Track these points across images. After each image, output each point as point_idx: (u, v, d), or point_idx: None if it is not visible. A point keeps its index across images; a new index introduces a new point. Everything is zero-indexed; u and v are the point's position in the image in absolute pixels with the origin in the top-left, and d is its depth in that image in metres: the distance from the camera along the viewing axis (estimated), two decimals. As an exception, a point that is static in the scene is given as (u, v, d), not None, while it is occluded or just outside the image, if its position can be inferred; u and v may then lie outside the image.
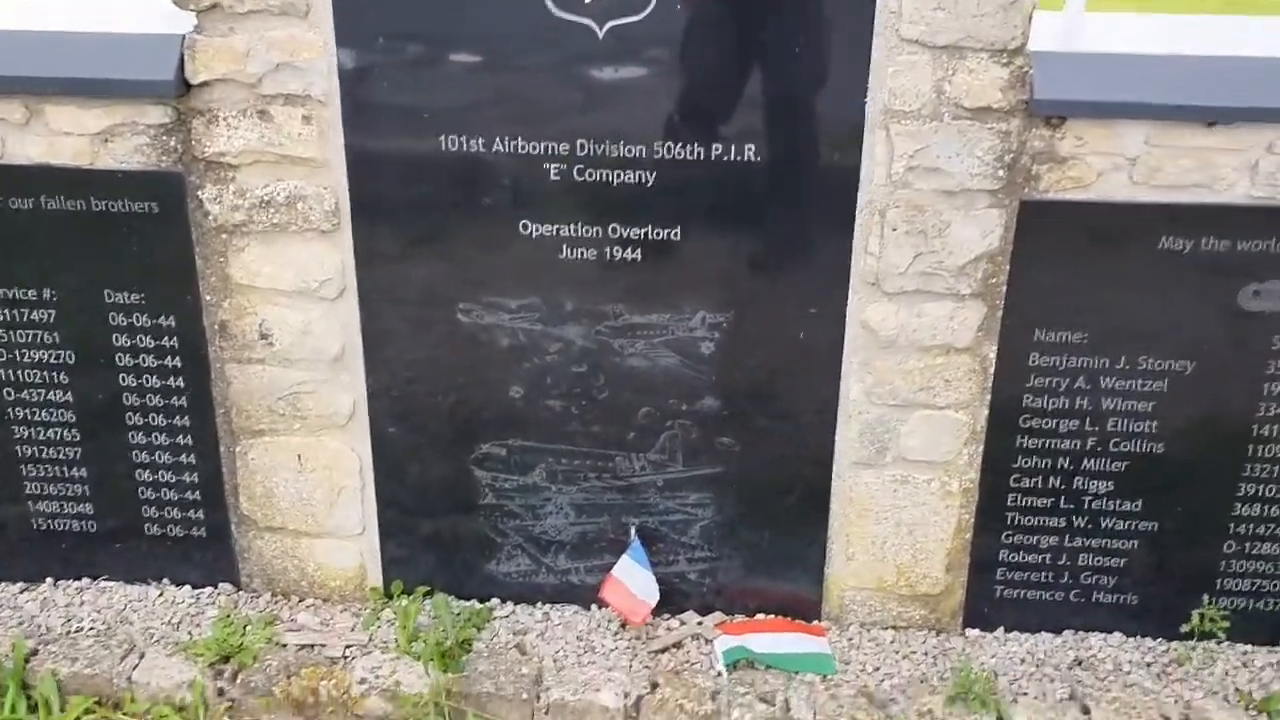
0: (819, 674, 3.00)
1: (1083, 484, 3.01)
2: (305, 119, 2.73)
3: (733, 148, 2.70)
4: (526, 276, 2.87)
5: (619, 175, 2.74)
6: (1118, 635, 3.18)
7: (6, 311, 2.98)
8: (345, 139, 2.75)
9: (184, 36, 2.70)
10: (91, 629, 3.13)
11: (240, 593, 3.29)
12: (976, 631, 3.20)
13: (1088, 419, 2.93)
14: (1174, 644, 3.17)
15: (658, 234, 2.80)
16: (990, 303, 2.82)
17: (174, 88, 2.69)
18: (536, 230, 2.81)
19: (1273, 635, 3.12)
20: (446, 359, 2.97)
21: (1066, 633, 3.19)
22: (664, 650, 3.08)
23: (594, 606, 3.24)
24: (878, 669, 3.06)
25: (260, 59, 2.67)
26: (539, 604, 3.25)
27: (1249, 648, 3.13)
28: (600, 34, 2.61)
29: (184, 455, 3.14)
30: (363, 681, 2.90)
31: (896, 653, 3.13)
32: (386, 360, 2.99)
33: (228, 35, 2.67)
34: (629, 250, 2.82)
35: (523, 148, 2.73)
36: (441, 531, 3.18)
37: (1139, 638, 3.18)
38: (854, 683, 2.99)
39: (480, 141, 2.73)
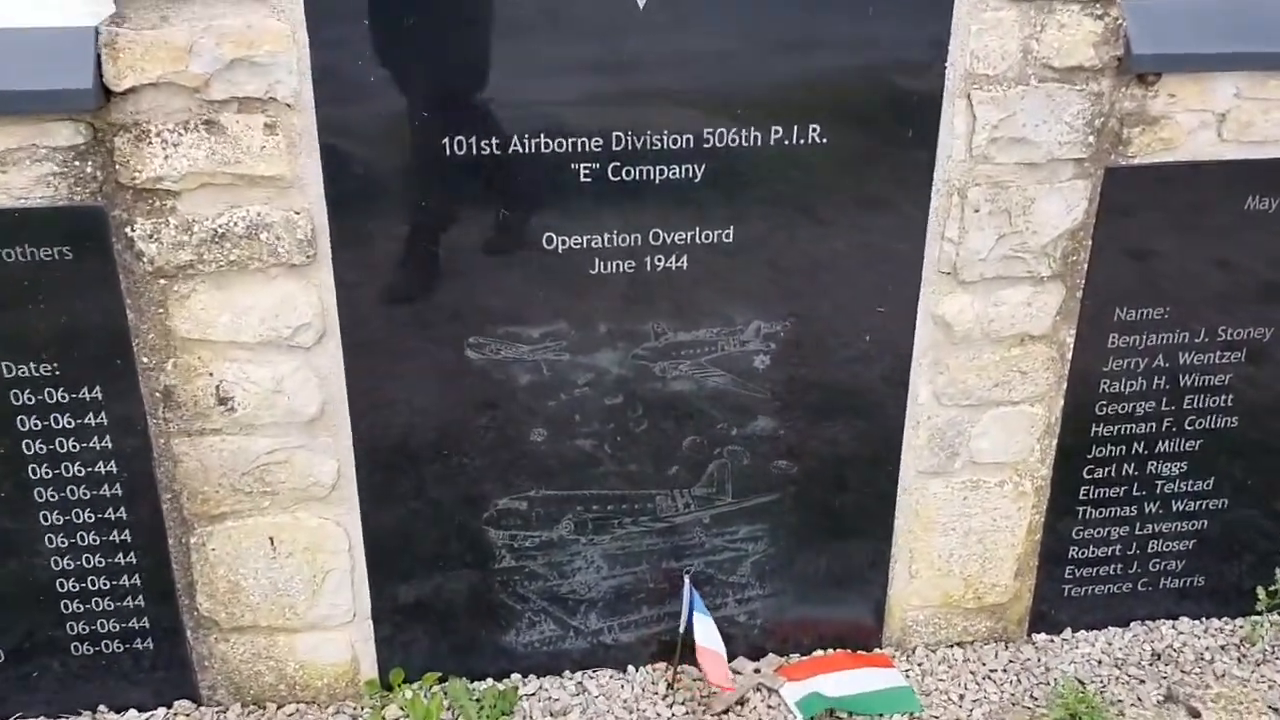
0: (904, 712, 2.67)
1: (1156, 467, 2.79)
2: (269, 128, 2.16)
3: (794, 129, 2.30)
4: (551, 299, 2.39)
5: (662, 171, 2.30)
6: (1185, 620, 2.99)
7: None
8: (322, 149, 2.19)
9: (97, 30, 2.07)
10: (21, 787, 2.48)
11: (202, 709, 2.69)
12: (1043, 636, 2.96)
13: (1164, 399, 2.70)
14: (1238, 622, 3.00)
15: (706, 236, 2.37)
16: (1070, 283, 2.54)
17: (91, 98, 2.07)
18: (563, 243, 2.34)
19: (1341, 600, 2.99)
20: (453, 406, 2.47)
21: (1134, 624, 2.98)
22: (727, 710, 2.69)
23: (630, 668, 2.82)
24: (963, 696, 2.76)
25: (208, 55, 2.08)
26: (566, 673, 2.79)
27: (1314, 615, 2.99)
28: (641, 3, 2.14)
29: (119, 555, 2.51)
30: (394, 806, 2.38)
31: (973, 674, 2.84)
32: (378, 414, 2.45)
33: (161, 26, 2.06)
34: (673, 258, 2.38)
35: (547, 146, 2.25)
36: (449, 606, 2.68)
37: (1206, 620, 3.00)
38: (947, 713, 2.68)
39: (494, 142, 2.23)
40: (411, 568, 2.62)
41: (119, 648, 2.61)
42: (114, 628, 2.59)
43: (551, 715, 2.67)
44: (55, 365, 2.32)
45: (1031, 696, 2.76)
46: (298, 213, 2.24)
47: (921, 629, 2.89)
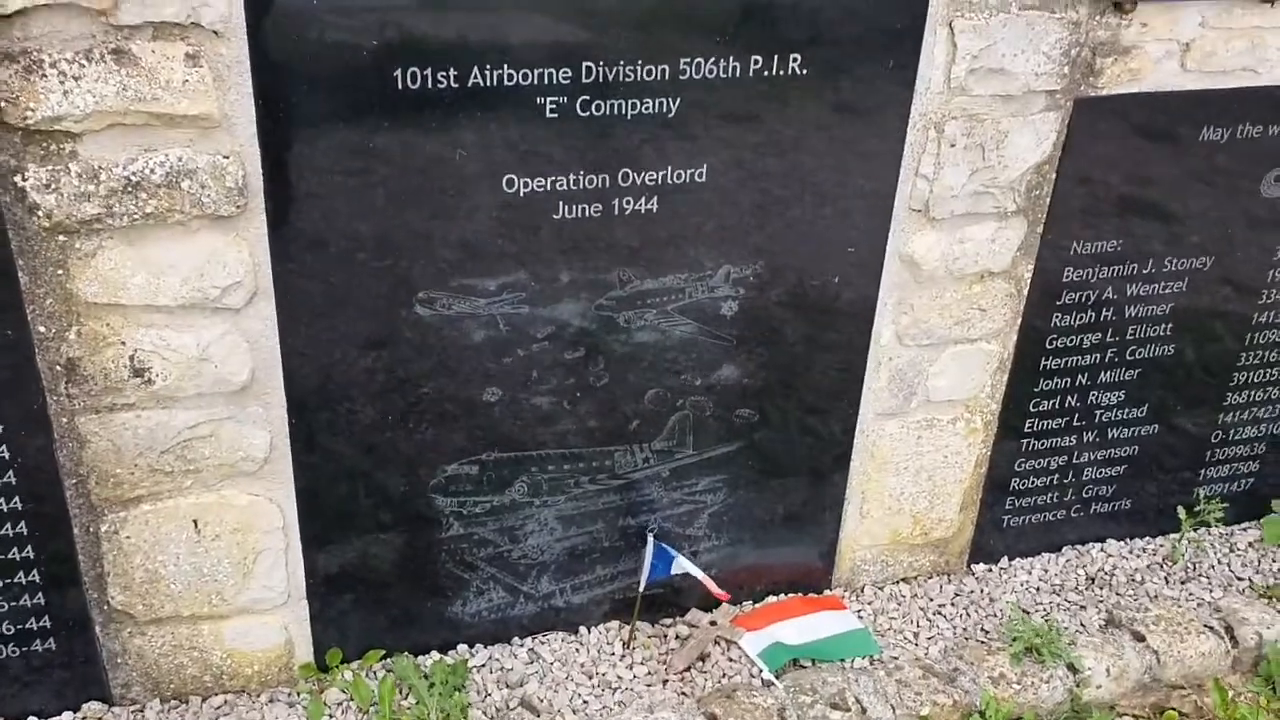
0: (865, 655, 2.65)
1: (1097, 397, 2.81)
2: (190, 59, 1.86)
3: (775, 59, 2.13)
4: (511, 247, 2.18)
5: (635, 105, 2.10)
6: (1111, 542, 3.07)
7: None
8: (255, 84, 1.90)
9: (-26, -62, 1.71)
10: (-86, 818, 2.17)
11: (114, 709, 2.42)
12: (982, 566, 2.99)
13: (1110, 330, 2.72)
14: (1158, 541, 3.10)
15: (678, 176, 2.20)
16: (1031, 218, 2.49)
17: (-27, 22, 1.71)
18: (525, 186, 2.12)
19: (1251, 512, 3.12)
20: (400, 365, 2.24)
21: (1065, 549, 3.04)
22: (689, 668, 2.60)
23: (582, 629, 2.69)
24: (917, 634, 2.76)
25: (118, -30, 1.75)
26: (515, 640, 2.64)
27: (1226, 530, 3.12)
28: (620, -84, 1.92)
29: (14, 549, 2.20)
30: (356, 802, 2.20)
31: (923, 610, 2.84)
32: (316, 380, 2.20)
33: (58, -67, 1.72)
34: (643, 200, 2.20)
35: (510, 77, 2.01)
36: (390, 580, 2.48)
37: (1130, 540, 3.08)
38: (906, 657, 2.67)
39: (451, 73, 1.98)
40: (350, 542, 2.40)
41: (13, 650, 2.30)
42: (7, 630, 2.28)
43: (508, 687, 2.52)
44: (-72, 342, 1.97)
45: (983, 630, 2.77)
46: (226, 157, 1.94)
47: (870, 568, 2.86)
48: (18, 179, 1.88)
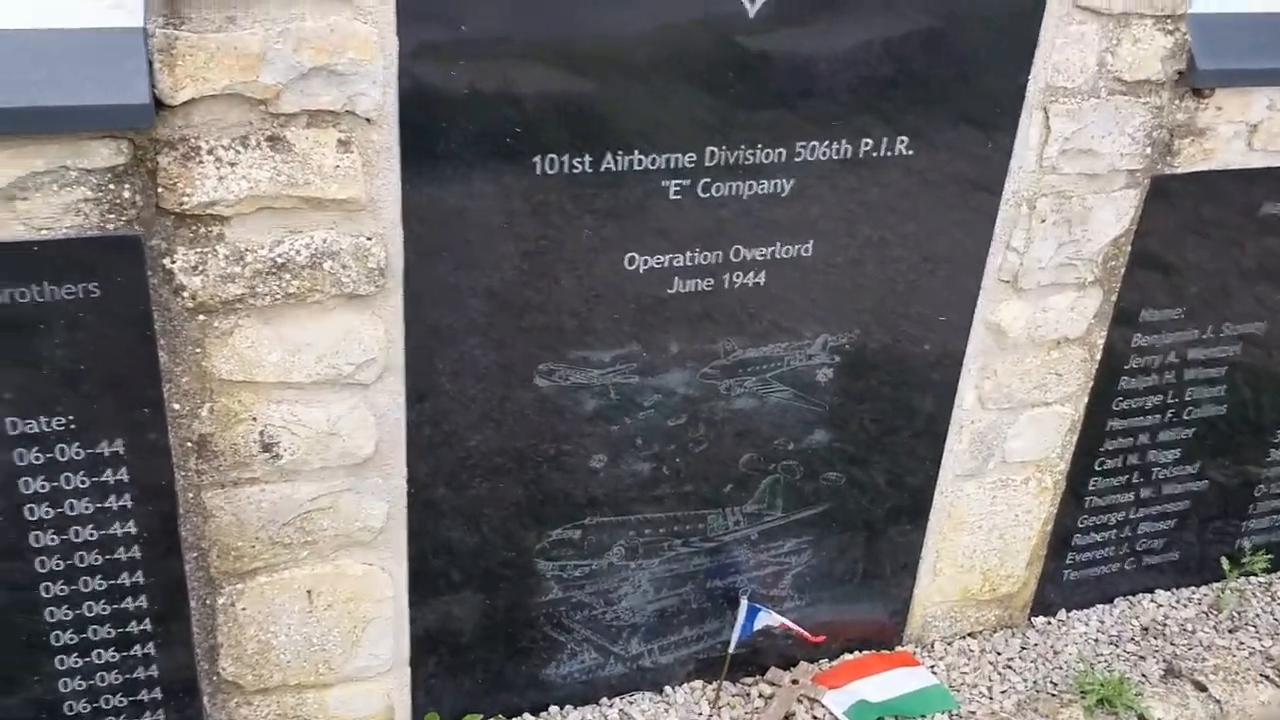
0: (943, 711, 2.72)
1: (1156, 456, 2.92)
2: (343, 145, 1.90)
3: (884, 141, 2.22)
4: (627, 320, 2.24)
5: (751, 186, 2.18)
6: (1160, 593, 3.17)
7: None
8: (403, 169, 1.95)
9: (146, 32, 1.76)
10: None
11: (216, 780, 2.42)
12: (1042, 619, 3.07)
13: (1170, 392, 2.83)
14: (1203, 590, 3.21)
15: (786, 251, 2.28)
16: (1107, 287, 2.60)
17: (149, 115, 1.76)
18: (645, 263, 2.19)
19: (1293, 563, 3.25)
20: (516, 436, 2.29)
21: (1118, 600, 3.13)
22: (776, 725, 2.65)
23: (667, 689, 2.73)
24: (990, 688, 2.84)
25: (283, 64, 1.80)
26: (604, 700, 2.68)
27: (1265, 579, 3.24)
28: (751, 12, 2.01)
29: (132, 623, 2.21)
30: None
31: (992, 664, 2.92)
32: (436, 451, 2.25)
33: (228, 29, 1.77)
34: (750, 274, 2.28)
35: (639, 163, 2.09)
36: (490, 644, 2.51)
37: (1177, 590, 3.19)
38: (982, 712, 2.74)
39: (586, 160, 2.05)
40: (454, 607, 2.44)
41: (124, 722, 2.30)
42: (121, 702, 2.28)
43: (604, 748, 2.56)
44: (70, 418, 1.99)
45: (1051, 682, 2.85)
46: (369, 238, 1.99)
47: (939, 623, 2.93)
48: (166, 261, 1.91)
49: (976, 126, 2.27)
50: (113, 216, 1.86)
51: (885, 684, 2.76)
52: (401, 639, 2.42)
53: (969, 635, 2.98)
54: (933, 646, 2.94)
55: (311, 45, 1.80)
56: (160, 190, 1.85)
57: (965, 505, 2.76)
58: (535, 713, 2.63)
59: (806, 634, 2.60)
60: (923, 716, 2.70)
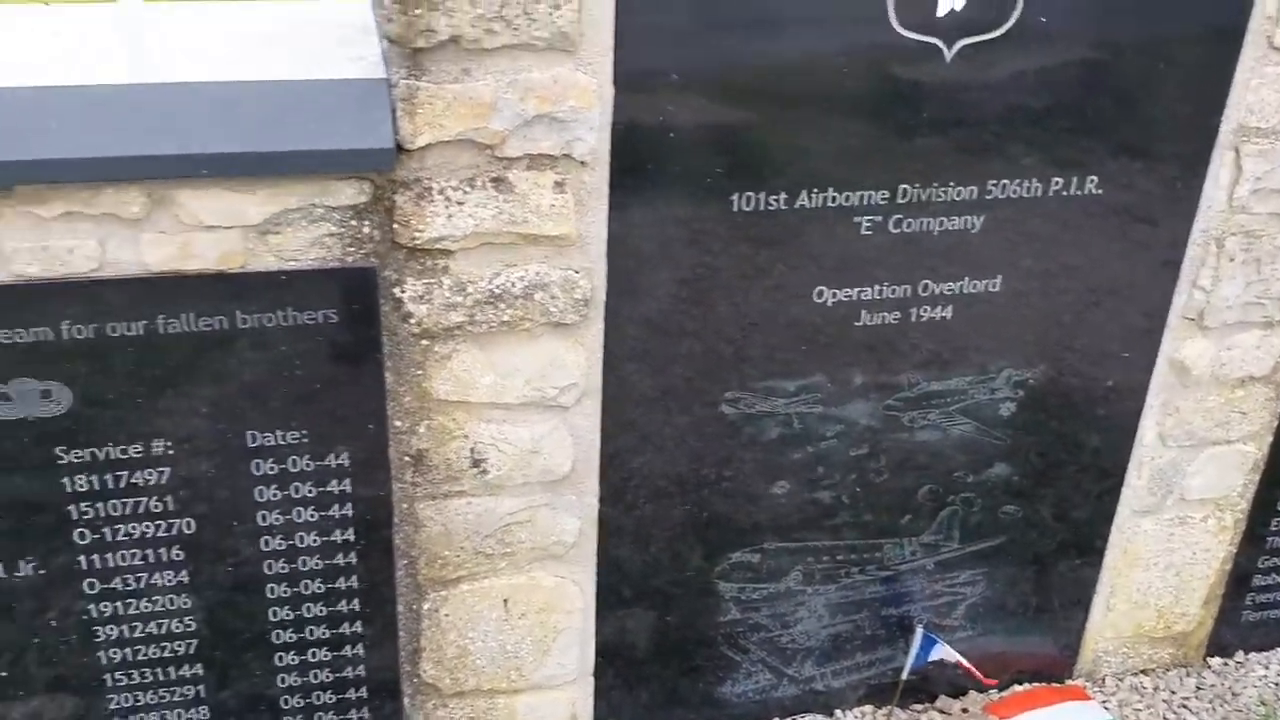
0: (1117, 747, 2.70)
1: (1338, 494, 2.85)
2: (558, 186, 2.04)
3: (1074, 180, 2.26)
4: (813, 352, 2.32)
5: (942, 222, 2.24)
6: (1342, 637, 3.08)
7: (95, 478, 2.10)
8: (610, 208, 2.08)
9: (390, 83, 1.92)
10: None
11: (413, 776, 2.57)
12: (1219, 660, 3.02)
13: (1350, 427, 2.76)
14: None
15: (974, 285, 2.33)
16: (1295, 326, 2.56)
17: (391, 158, 1.92)
18: (834, 296, 2.27)
19: None
20: (701, 461, 2.39)
21: (1295, 644, 3.06)
22: (947, 752, 2.68)
23: (837, 712, 2.78)
24: (1164, 727, 2.80)
25: (510, 111, 1.95)
26: (775, 720, 2.75)
27: None
28: (948, 56, 2.08)
29: (346, 625, 2.37)
30: None
31: (1166, 702, 2.89)
32: (626, 473, 2.36)
33: (463, 80, 1.92)
34: (938, 308, 2.33)
35: (833, 200, 2.17)
36: (669, 660, 2.61)
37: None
38: (1158, 750, 2.72)
39: (782, 198, 2.15)
40: (637, 623, 2.55)
41: (332, 718, 2.47)
42: (330, 699, 2.45)
43: (777, 767, 2.63)
44: (304, 433, 2.16)
45: (1231, 724, 2.81)
46: (577, 272, 2.12)
47: (1111, 659, 2.92)
48: (397, 290, 2.08)
49: (1167, 166, 2.29)
50: (352, 250, 2.03)
51: (1056, 716, 2.76)
52: (587, 650, 2.53)
53: (1141, 672, 2.96)
54: (1104, 682, 2.93)
55: (536, 95, 1.94)
56: (395, 226, 2.02)
57: (1142, 542, 2.75)
58: (709, 729, 2.71)
59: (980, 675, 2.62)
60: (1096, 751, 2.69)
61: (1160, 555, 2.78)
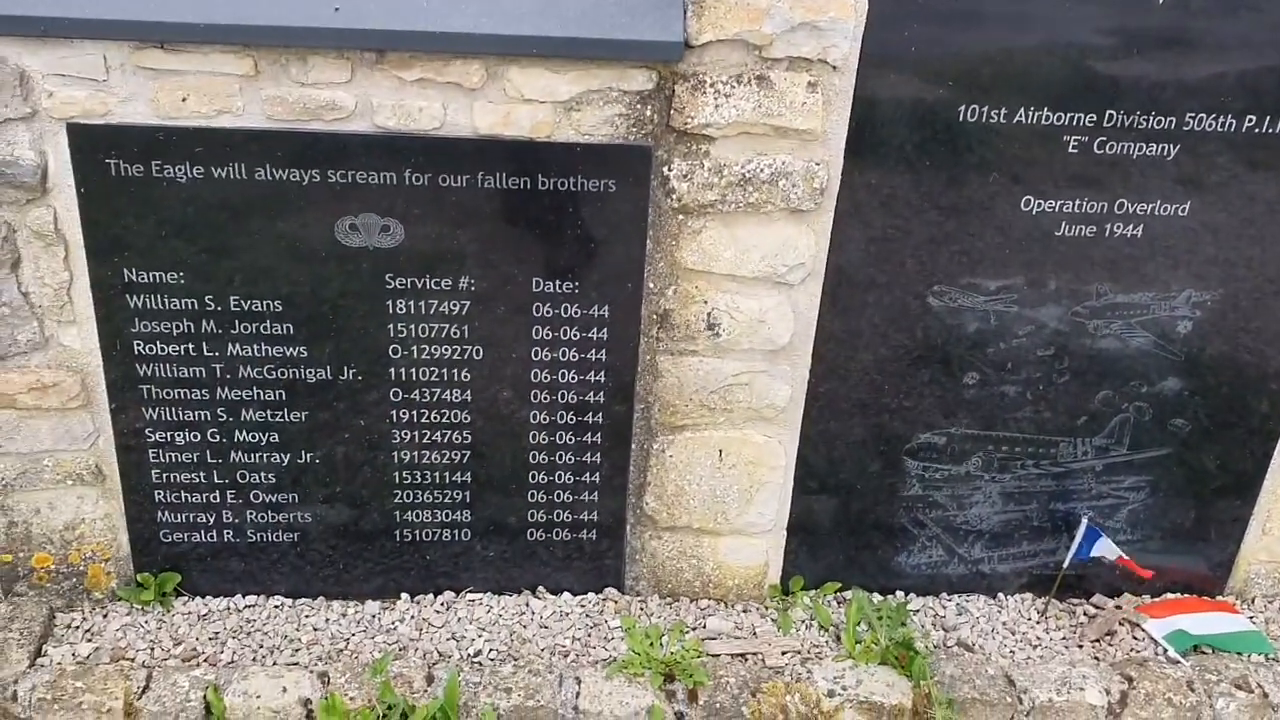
0: (1260, 654, 2.94)
1: None
2: (811, 86, 2.42)
3: (1266, 119, 2.52)
4: (1015, 256, 2.65)
5: (1141, 148, 2.53)
6: None
7: (409, 303, 2.59)
8: (853, 109, 2.45)
9: (683, -11, 2.34)
10: (492, 651, 2.82)
11: (625, 597, 3.01)
12: (1369, 596, 3.19)
13: None
14: None
15: (1164, 209, 2.61)
16: None
17: (679, 51, 2.34)
18: (1039, 206, 2.59)
19: None
20: (905, 345, 2.74)
21: None
22: (1099, 640, 2.97)
23: (1000, 595, 3.10)
24: (1309, 645, 3.02)
25: (780, 17, 2.34)
26: (944, 595, 3.09)
27: None
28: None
29: (589, 454, 2.83)
30: (831, 694, 2.69)
31: (1313, 625, 3.09)
32: (836, 349, 2.73)
33: (744, -11, 2.32)
34: (1131, 226, 2.62)
35: (1047, 118, 2.49)
36: (853, 524, 2.97)
37: None
38: (1301, 661, 2.94)
39: (1002, 112, 2.48)
40: (830, 487, 2.92)
41: (568, 536, 2.93)
42: (567, 518, 2.91)
43: (944, 630, 2.97)
44: (576, 284, 2.61)
45: (1374, 650, 3.01)
46: (818, 164, 2.50)
47: (1262, 581, 3.15)
48: (665, 169, 2.50)
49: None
50: (635, 130, 2.46)
51: (1204, 621, 3.02)
52: (784, 506, 2.93)
53: (1291, 598, 3.18)
54: (1253, 601, 3.16)
55: (804, 4, 2.33)
56: (672, 112, 2.44)
57: (1302, 470, 2.97)
58: (883, 594, 3.08)
59: (1138, 568, 2.91)
60: (1239, 653, 2.93)
61: (1319, 484, 3.00)
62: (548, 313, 2.63)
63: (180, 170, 2.40)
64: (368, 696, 2.57)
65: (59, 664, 2.64)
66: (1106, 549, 2.89)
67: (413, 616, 2.91)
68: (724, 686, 2.70)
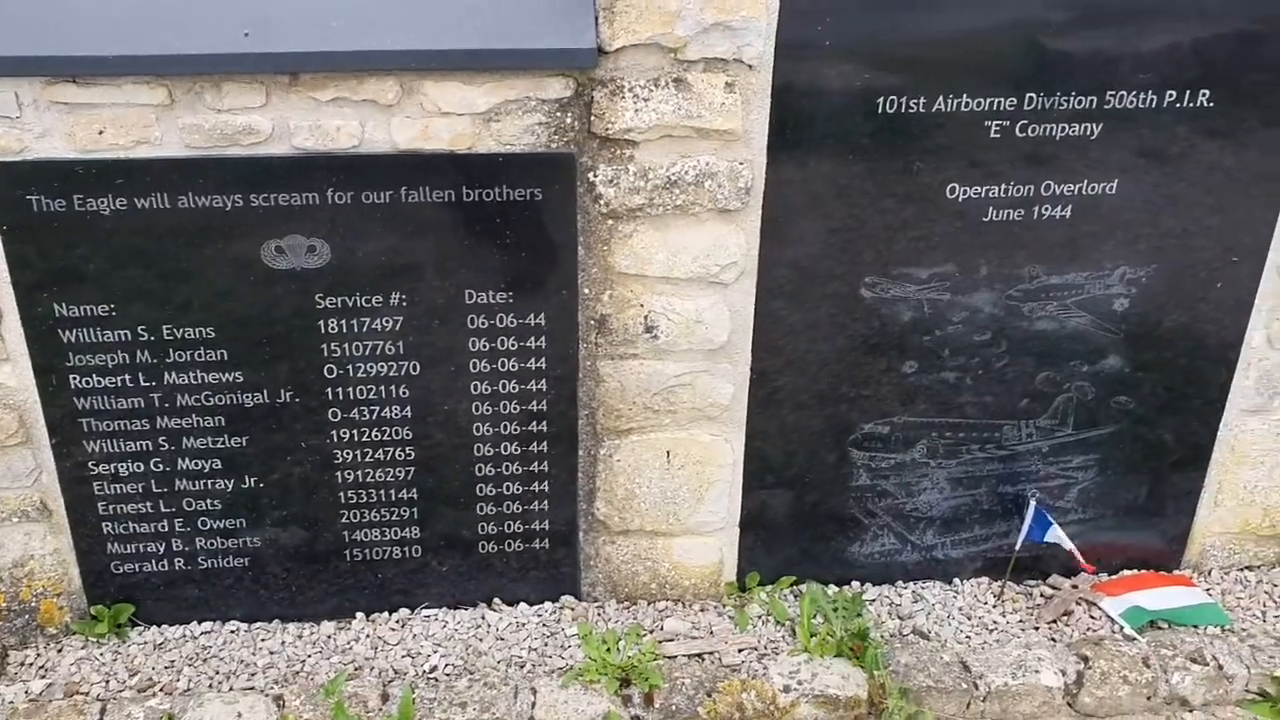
0: (1216, 625, 2.96)
1: None
2: (728, 86, 2.43)
3: (1186, 94, 2.53)
4: (944, 244, 2.66)
5: (1064, 129, 2.54)
6: None
7: (341, 322, 2.59)
8: (772, 106, 2.45)
9: (593, -5, 2.34)
10: (448, 666, 2.82)
11: (581, 604, 3.02)
12: (1324, 562, 3.21)
13: None
14: None
15: (1092, 188, 2.62)
16: (1401, 238, 2.76)
17: (593, 58, 2.34)
18: (964, 193, 2.60)
19: None
20: (841, 338, 2.75)
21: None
22: (1055, 621, 2.98)
23: (955, 580, 3.11)
24: (1264, 613, 3.04)
25: (691, 19, 2.35)
26: (899, 583, 3.10)
27: None
28: (1073, -23, 2.38)
29: (536, 463, 2.83)
30: (787, 690, 2.70)
31: (1268, 593, 3.12)
32: (775, 345, 2.74)
33: (654, -7, 2.32)
34: (1059, 207, 2.64)
35: (966, 105, 2.50)
36: (805, 517, 2.98)
37: None
38: (1256, 628, 2.96)
39: (921, 101, 2.49)
40: (779, 482, 2.93)
41: (520, 546, 2.93)
42: (519, 528, 2.91)
43: (899, 618, 2.98)
44: (510, 294, 2.62)
45: (1329, 616, 3.03)
46: (741, 163, 2.51)
47: (1217, 553, 3.16)
48: (590, 175, 2.50)
49: (1270, 85, 2.53)
50: (556, 138, 2.46)
51: (1160, 596, 3.03)
52: (734, 503, 2.93)
53: (1247, 568, 3.19)
54: (1209, 574, 3.18)
55: (714, 5, 2.34)
56: (592, 119, 2.44)
57: (1249, 440, 2.99)
58: (839, 585, 3.08)
59: (1083, 562, 2.90)
60: (1195, 626, 2.95)
61: (1266, 455, 3.01)
62: (483, 324, 2.63)
63: (103, 203, 2.39)
64: (322, 718, 2.57)
65: (11, 703, 2.63)
66: (1059, 538, 2.89)
67: (368, 635, 2.90)
68: (679, 688, 2.70)
